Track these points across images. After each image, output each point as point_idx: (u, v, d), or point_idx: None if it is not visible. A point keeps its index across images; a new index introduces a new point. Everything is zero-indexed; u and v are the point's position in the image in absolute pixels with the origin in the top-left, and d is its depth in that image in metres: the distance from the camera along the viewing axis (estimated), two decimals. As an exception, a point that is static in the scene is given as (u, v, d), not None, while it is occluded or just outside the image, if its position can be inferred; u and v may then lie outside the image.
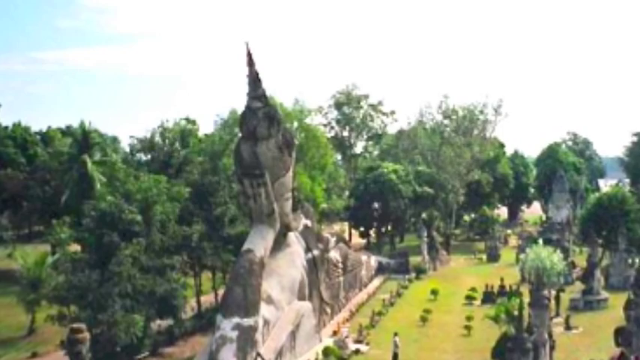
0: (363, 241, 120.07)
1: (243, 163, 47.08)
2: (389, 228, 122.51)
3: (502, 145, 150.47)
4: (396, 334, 54.30)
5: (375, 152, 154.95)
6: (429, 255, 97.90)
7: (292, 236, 54.76)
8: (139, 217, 57.32)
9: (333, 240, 67.86)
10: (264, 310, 44.94)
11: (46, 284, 61.02)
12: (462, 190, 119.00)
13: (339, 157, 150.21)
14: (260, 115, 46.60)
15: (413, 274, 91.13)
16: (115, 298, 50.68)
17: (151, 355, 55.95)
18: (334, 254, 67.37)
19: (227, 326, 41.87)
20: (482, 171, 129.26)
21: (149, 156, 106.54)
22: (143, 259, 55.36)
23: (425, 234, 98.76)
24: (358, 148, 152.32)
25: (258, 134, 46.60)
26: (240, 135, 50.60)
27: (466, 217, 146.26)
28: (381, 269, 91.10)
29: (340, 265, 68.93)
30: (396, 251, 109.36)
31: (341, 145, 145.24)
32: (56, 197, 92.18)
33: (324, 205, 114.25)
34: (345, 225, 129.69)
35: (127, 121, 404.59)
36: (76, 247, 67.90)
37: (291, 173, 49.81)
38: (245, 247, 46.30)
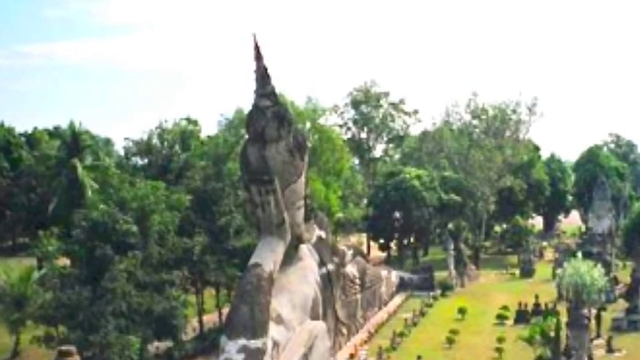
0: (383, 255, 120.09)
1: (250, 167, 46.94)
2: (411, 240, 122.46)
3: (537, 148, 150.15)
4: (419, 358, 54.22)
5: (397, 156, 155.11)
6: (455, 270, 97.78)
7: (304, 249, 54.61)
8: (134, 228, 57.47)
9: (349, 253, 67.76)
10: (274, 330, 44.82)
11: (31, 302, 61.12)
12: (493, 197, 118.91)
13: (356, 161, 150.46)
14: (269, 114, 46.44)
15: (438, 291, 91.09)
16: (109, 318, 50.78)
17: (147, 381, 56.04)
18: (351, 269, 67.29)
19: (232, 349, 41.75)
20: (515, 177, 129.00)
21: (146, 160, 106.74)
22: (139, 274, 55.49)
23: (451, 246, 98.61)
24: (378, 151, 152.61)
25: (266, 136, 46.44)
26: (246, 137, 50.59)
27: (497, 228, 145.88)
28: (402, 285, 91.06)
29: (358, 280, 68.84)
30: (419, 266, 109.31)
31: (358, 147, 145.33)
32: (43, 206, 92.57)
33: (339, 215, 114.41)
34: (363, 236, 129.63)
35: (122, 122, 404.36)
36: (64, 261, 68.03)
37: (303, 179, 49.66)
38: (252, 260, 46.18)
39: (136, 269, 55.22)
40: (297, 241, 51.83)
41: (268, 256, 46.52)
